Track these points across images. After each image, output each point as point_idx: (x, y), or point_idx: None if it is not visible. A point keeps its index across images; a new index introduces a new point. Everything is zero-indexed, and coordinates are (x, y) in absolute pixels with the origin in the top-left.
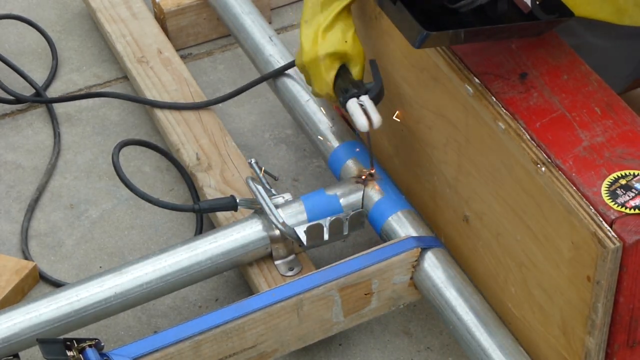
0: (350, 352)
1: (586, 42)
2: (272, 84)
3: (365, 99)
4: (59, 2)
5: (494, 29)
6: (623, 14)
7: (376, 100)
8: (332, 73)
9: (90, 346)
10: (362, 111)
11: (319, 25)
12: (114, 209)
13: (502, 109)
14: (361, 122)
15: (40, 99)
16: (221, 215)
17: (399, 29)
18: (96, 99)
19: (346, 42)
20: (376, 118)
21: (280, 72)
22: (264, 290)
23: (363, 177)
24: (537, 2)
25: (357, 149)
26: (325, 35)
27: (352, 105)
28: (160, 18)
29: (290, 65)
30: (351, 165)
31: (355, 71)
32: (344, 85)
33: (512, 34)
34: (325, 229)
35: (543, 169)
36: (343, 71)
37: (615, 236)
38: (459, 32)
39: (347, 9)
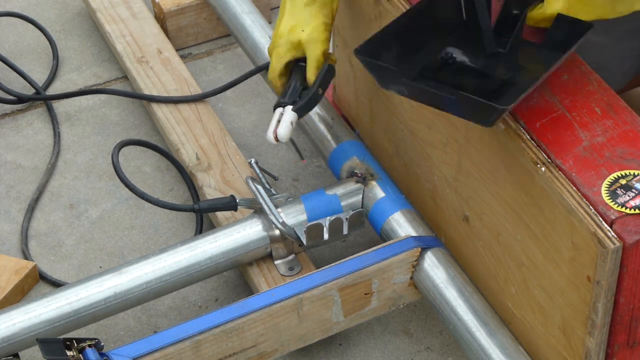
0: (350, 352)
1: (585, 39)
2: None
3: (287, 110)
4: (58, 2)
5: None
6: (616, 1)
7: (300, 113)
8: (282, 62)
9: (90, 346)
10: (276, 122)
11: (282, 14)
12: (113, 209)
13: None
14: (269, 132)
15: (39, 96)
16: (221, 215)
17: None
18: (96, 100)
19: (303, 31)
20: (282, 133)
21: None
22: (264, 290)
23: (359, 174)
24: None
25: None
26: (286, 23)
27: (275, 113)
28: (160, 18)
29: None
30: (351, 165)
31: (308, 66)
32: (288, 86)
33: None
34: (325, 229)
35: (543, 169)
36: (299, 69)
37: (615, 236)
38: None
39: (321, 1)
